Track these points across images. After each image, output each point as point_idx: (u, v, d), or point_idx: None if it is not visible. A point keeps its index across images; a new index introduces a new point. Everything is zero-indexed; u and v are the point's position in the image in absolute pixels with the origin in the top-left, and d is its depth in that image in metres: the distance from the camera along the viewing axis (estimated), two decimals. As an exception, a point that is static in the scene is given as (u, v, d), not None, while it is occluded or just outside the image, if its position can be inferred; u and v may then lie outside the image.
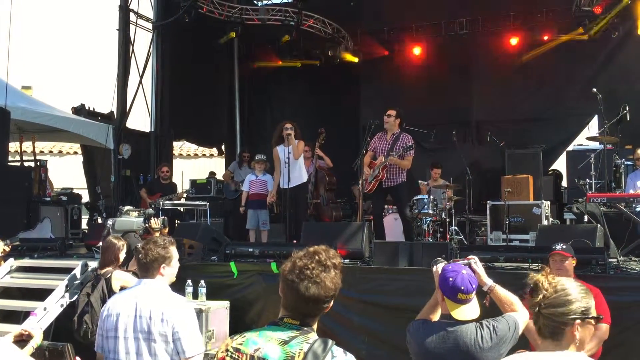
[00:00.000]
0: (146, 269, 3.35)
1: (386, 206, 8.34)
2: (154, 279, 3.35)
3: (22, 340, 2.73)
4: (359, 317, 5.76)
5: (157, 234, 5.43)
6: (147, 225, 5.64)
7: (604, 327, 4.13)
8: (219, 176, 11.62)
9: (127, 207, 6.03)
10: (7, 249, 6.51)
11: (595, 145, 9.05)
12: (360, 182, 7.43)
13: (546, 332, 2.20)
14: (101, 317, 3.37)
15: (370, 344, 5.67)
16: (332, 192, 9.58)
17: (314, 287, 2.07)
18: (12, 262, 6.94)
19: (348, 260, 6.31)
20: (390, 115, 7.40)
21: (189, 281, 5.87)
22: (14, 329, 2.86)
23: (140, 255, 3.35)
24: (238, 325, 5.61)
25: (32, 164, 10.22)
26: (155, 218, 5.64)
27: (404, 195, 7.46)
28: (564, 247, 4.38)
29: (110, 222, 5.95)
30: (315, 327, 2.14)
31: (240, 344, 2.09)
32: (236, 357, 2.07)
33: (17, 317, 6.16)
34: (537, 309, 2.19)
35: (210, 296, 5.91)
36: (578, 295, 2.22)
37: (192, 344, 3.18)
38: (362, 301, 5.79)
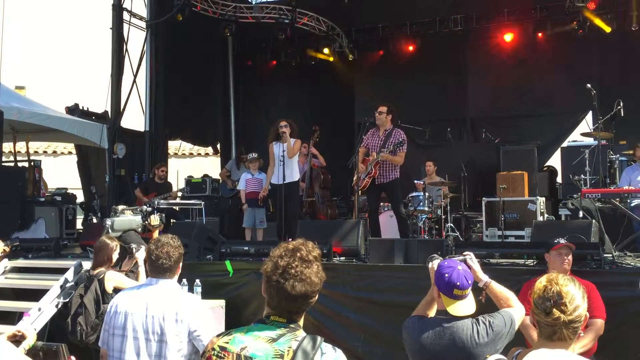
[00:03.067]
0: (169, 270, 3.32)
1: (382, 204, 8.33)
2: (170, 280, 3.33)
3: (15, 341, 2.71)
4: (354, 315, 5.75)
5: (157, 232, 5.41)
6: (146, 222, 5.61)
7: (599, 323, 4.13)
8: (213, 176, 11.60)
9: (120, 207, 5.98)
10: (7, 249, 6.49)
11: (589, 141, 9.06)
12: (354, 179, 7.42)
13: (567, 336, 2.21)
14: (108, 313, 3.34)
15: (367, 341, 5.66)
16: (327, 190, 9.57)
17: (300, 284, 2.05)
18: (6, 263, 6.90)
19: (344, 257, 6.31)
20: (381, 112, 7.37)
21: (184, 280, 5.83)
22: (9, 330, 2.84)
23: (162, 260, 3.29)
24: (234, 324, 5.57)
25: (26, 164, 10.18)
26: (154, 215, 5.60)
27: (398, 192, 7.44)
28: (566, 240, 4.41)
29: (108, 222, 5.90)
30: (301, 323, 2.12)
31: (227, 343, 2.07)
32: (222, 355, 2.05)
33: (12, 318, 6.12)
34: (562, 319, 2.19)
35: (205, 295, 5.88)
36: (582, 292, 2.25)
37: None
38: (358, 298, 5.79)
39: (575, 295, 2.22)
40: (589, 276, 4.50)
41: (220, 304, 5.91)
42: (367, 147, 7.45)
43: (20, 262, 7.07)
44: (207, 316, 3.26)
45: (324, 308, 5.78)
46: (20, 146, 10.92)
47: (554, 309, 2.19)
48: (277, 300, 2.08)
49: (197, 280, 5.88)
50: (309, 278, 2.07)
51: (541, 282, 2.31)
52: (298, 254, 2.10)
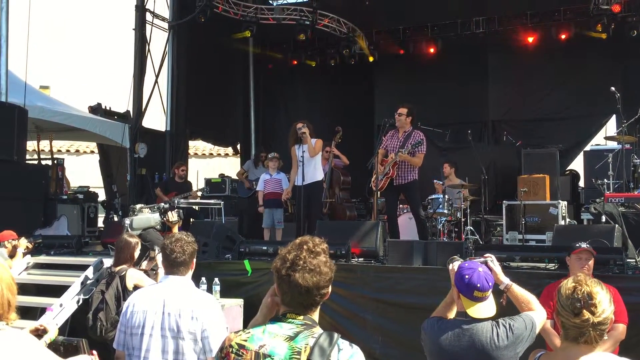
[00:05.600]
0: (183, 264, 3.33)
1: (401, 206, 8.30)
2: (183, 276, 3.33)
3: (37, 335, 2.75)
4: (373, 316, 5.74)
5: (176, 228, 5.46)
6: (164, 219, 5.65)
7: (621, 327, 4.08)
8: (231, 176, 11.66)
9: (138, 205, 6.03)
10: (30, 246, 6.60)
11: (613, 145, 8.95)
12: (372, 180, 7.39)
13: (594, 338, 2.18)
14: (124, 314, 3.33)
15: (384, 343, 5.64)
16: (347, 191, 9.56)
17: (310, 275, 2.06)
18: (28, 259, 7.01)
19: (362, 259, 6.30)
20: (401, 113, 7.32)
21: (203, 279, 5.87)
22: (31, 325, 2.88)
23: (177, 254, 3.30)
24: (252, 323, 5.61)
25: (50, 163, 10.32)
26: (172, 211, 5.65)
27: (416, 193, 7.39)
28: (588, 245, 4.34)
29: (127, 221, 5.96)
30: (316, 318, 2.12)
31: (245, 340, 2.08)
32: (241, 353, 2.06)
33: (34, 313, 6.20)
34: (591, 320, 2.17)
35: (224, 294, 5.91)
36: (609, 295, 2.23)
37: (220, 343, 3.13)
38: (376, 300, 5.77)
39: (604, 297, 2.20)
40: (611, 281, 4.43)
41: (238, 302, 5.94)
42: (386, 149, 7.42)
43: (43, 259, 7.17)
44: (220, 317, 3.25)
45: (342, 309, 5.78)
46: (44, 145, 11.07)
47: (584, 310, 2.17)
48: (290, 295, 2.08)
49: (216, 279, 5.91)
50: (318, 267, 2.08)
51: (568, 283, 2.29)
52: (305, 247, 2.12)
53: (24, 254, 6.67)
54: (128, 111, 10.99)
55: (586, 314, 2.17)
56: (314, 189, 7.55)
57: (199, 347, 3.15)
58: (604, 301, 2.20)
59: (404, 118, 7.31)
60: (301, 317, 2.08)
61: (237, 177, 11.09)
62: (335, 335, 2.02)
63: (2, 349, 2.04)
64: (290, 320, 2.08)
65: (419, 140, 7.13)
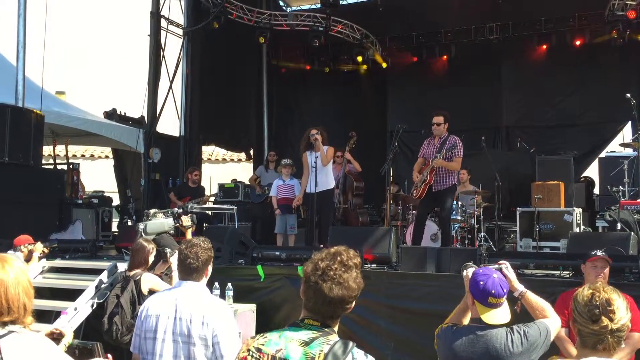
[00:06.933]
0: (196, 271, 3.32)
1: (414, 212, 8.26)
2: (197, 282, 3.33)
3: (53, 339, 2.77)
4: (385, 323, 5.72)
5: (189, 233, 5.48)
6: (178, 224, 5.68)
7: (637, 336, 4.02)
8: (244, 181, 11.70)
9: (152, 210, 6.05)
10: (46, 250, 6.65)
11: (629, 152, 8.86)
12: (412, 189, 7.30)
13: (612, 345, 2.18)
14: (139, 318, 3.35)
15: (397, 349, 5.62)
16: (360, 197, 9.55)
17: (338, 288, 2.06)
18: (44, 263, 7.07)
19: (375, 265, 6.29)
20: (438, 123, 7.10)
21: (216, 284, 5.89)
22: (45, 328, 2.90)
23: (190, 260, 3.30)
24: (264, 329, 5.59)
25: (65, 167, 10.42)
26: (185, 216, 5.67)
27: (451, 199, 7.29)
28: (604, 252, 4.30)
29: (141, 226, 5.98)
30: (336, 328, 2.12)
31: (262, 345, 2.09)
32: (257, 357, 2.07)
33: (49, 316, 6.25)
34: (609, 327, 2.17)
35: (237, 299, 5.92)
36: (626, 302, 2.22)
37: (231, 349, 3.13)
38: (389, 306, 5.75)
39: (621, 304, 2.20)
40: (627, 289, 4.35)
41: (251, 308, 5.94)
42: (424, 157, 7.27)
43: (58, 263, 7.23)
44: (232, 323, 3.26)
45: (354, 315, 5.75)
46: (60, 149, 11.18)
47: (603, 317, 2.17)
48: (313, 302, 2.09)
49: (229, 284, 5.92)
50: (346, 282, 2.08)
51: (585, 290, 2.29)
52: (338, 258, 2.11)
53: (40, 258, 6.72)
54: (142, 116, 11.08)
55: (605, 321, 2.16)
56: (326, 196, 7.55)
57: (210, 352, 3.15)
58: (622, 308, 2.19)
59: (442, 127, 7.14)
60: (318, 324, 2.08)
61: (249, 183, 11.13)
62: (351, 344, 2.02)
63: (20, 352, 2.06)
64: (307, 326, 2.09)
65: (453, 144, 6.99)
